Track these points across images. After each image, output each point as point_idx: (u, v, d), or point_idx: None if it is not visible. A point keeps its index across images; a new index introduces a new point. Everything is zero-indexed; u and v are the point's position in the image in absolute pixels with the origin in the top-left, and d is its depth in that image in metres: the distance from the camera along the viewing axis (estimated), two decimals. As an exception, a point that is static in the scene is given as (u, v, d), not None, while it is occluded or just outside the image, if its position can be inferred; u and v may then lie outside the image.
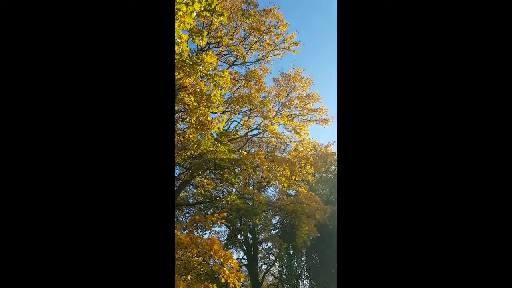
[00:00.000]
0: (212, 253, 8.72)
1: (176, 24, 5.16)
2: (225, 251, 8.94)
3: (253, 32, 10.40)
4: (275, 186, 16.54)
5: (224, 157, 9.22)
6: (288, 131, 11.92)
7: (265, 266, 20.68)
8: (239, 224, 16.43)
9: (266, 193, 17.95)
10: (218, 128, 8.94)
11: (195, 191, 13.55)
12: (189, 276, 10.31)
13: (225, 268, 8.43)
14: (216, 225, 11.31)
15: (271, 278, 22.19)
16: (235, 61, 11.22)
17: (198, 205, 15.20)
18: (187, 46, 7.55)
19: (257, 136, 13.45)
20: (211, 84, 7.84)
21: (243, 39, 10.76)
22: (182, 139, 8.61)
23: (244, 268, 18.00)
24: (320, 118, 13.09)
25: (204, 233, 13.17)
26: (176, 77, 7.36)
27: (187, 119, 8.24)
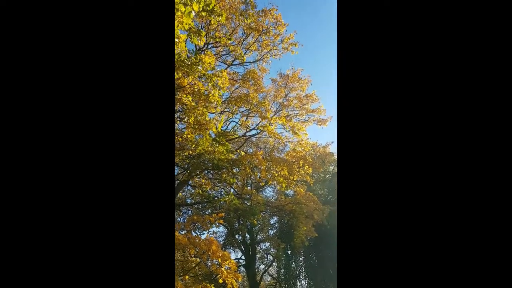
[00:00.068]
0: (210, 253, 8.71)
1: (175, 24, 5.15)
2: (223, 252, 8.93)
3: (251, 32, 10.40)
4: (273, 186, 16.56)
5: (222, 157, 9.21)
6: (286, 131, 11.93)
7: (263, 266, 20.69)
8: (237, 224, 16.42)
9: (264, 193, 17.97)
10: (216, 128, 8.93)
11: (193, 191, 13.52)
12: (187, 277, 10.29)
13: (223, 269, 8.42)
14: (214, 225, 11.32)
15: (269, 278, 22.19)
16: (233, 61, 11.21)
17: (196, 205, 15.18)
18: (185, 46, 7.54)
19: (255, 136, 13.45)
20: (209, 84, 7.83)
21: (242, 39, 10.76)
22: (180, 139, 8.60)
23: (242, 268, 17.99)
24: (318, 119, 13.10)
25: (202, 233, 13.14)
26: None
27: (185, 119, 8.22)
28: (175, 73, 7.17)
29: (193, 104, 7.80)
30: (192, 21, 5.41)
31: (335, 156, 18.51)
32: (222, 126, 10.50)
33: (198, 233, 12.98)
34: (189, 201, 14.81)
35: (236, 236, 17.96)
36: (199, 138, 8.35)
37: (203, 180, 11.80)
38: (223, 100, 10.86)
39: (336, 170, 18.90)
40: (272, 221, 18.84)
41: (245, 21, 9.57)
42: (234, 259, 17.05)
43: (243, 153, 10.50)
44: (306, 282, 18.63)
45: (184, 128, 8.68)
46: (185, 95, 7.74)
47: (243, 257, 18.22)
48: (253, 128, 11.89)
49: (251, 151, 13.73)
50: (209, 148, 8.67)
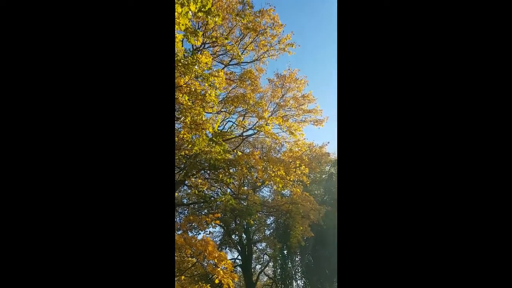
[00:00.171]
0: (206, 254, 8.70)
1: (172, 24, 5.12)
2: (219, 252, 8.92)
3: (248, 33, 10.39)
4: (269, 186, 16.55)
5: (219, 157, 9.19)
6: (283, 131, 11.94)
7: (260, 266, 20.69)
8: (233, 225, 16.40)
9: (260, 193, 17.97)
10: (213, 128, 8.90)
11: (189, 191, 13.48)
12: (183, 277, 10.25)
13: (219, 269, 8.41)
14: (210, 225, 11.28)
15: (265, 278, 22.19)
16: (230, 61, 11.19)
17: (192, 206, 15.13)
18: (182, 46, 7.51)
19: (252, 136, 13.44)
20: (206, 84, 7.81)
21: (239, 39, 10.75)
22: (176, 138, 8.56)
23: (239, 268, 17.97)
24: (315, 119, 13.13)
25: (198, 233, 13.10)
26: (171, 77, 7.30)
27: (182, 118, 8.18)
28: (172, 73, 7.13)
29: (189, 103, 7.78)
30: (189, 21, 5.39)
31: (331, 157, 18.58)
32: (219, 126, 10.47)
33: (195, 233, 12.95)
34: (185, 201, 14.76)
35: (233, 236, 17.93)
36: (195, 138, 8.32)
37: (200, 180, 11.77)
38: (220, 100, 10.84)
39: (332, 170, 18.97)
40: (268, 221, 18.86)
41: (242, 21, 9.56)
42: (231, 259, 17.03)
43: (240, 153, 10.48)
44: (302, 282, 18.66)
45: (180, 127, 8.65)
46: (181, 95, 7.71)
47: (239, 257, 18.20)
48: (250, 128, 11.89)
49: (248, 151, 13.71)
50: (206, 148, 8.64)
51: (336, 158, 19.05)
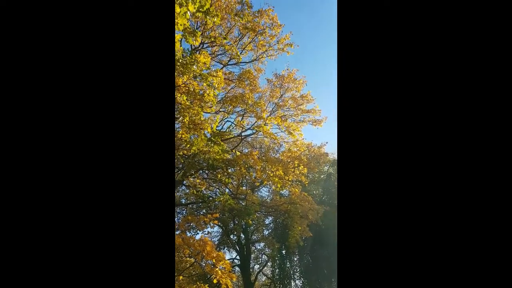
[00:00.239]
0: (204, 254, 8.69)
1: (170, 24, 5.11)
2: (218, 252, 8.91)
3: (247, 33, 10.39)
4: (268, 186, 16.56)
5: (218, 157, 9.18)
6: (281, 131, 11.94)
7: (258, 266, 20.70)
8: (232, 225, 16.40)
9: (259, 193, 17.96)
10: (212, 128, 8.89)
11: (187, 191, 13.46)
12: (181, 277, 10.23)
13: (217, 269, 8.40)
14: (208, 225, 11.27)
15: (264, 278, 22.20)
16: (229, 61, 11.19)
17: (190, 206, 15.12)
18: (180, 46, 7.49)
19: (251, 136, 13.43)
20: (204, 84, 7.81)
21: (238, 39, 10.74)
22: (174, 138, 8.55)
23: (237, 268, 17.97)
24: (313, 119, 13.13)
25: (196, 233, 13.09)
26: (170, 76, 7.29)
27: (180, 118, 8.16)
28: (171, 73, 7.11)
29: (187, 103, 7.77)
30: (187, 21, 5.38)
31: (330, 157, 18.62)
32: (217, 126, 10.46)
33: (193, 233, 12.94)
34: (183, 201, 14.74)
35: (231, 236, 17.93)
36: (194, 138, 8.30)
37: (198, 180, 11.75)
38: (219, 100, 10.84)
39: (330, 170, 19.00)
40: (267, 221, 18.87)
41: (240, 20, 9.56)
42: (229, 259, 17.05)
43: (238, 153, 10.47)
44: (301, 282, 18.68)
45: (178, 127, 8.64)
46: (179, 95, 7.69)
47: (238, 257, 18.20)
48: (249, 128, 11.89)
49: (247, 151, 13.71)
50: (204, 148, 8.63)
51: (335, 158, 19.11)
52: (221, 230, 18.00)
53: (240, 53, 10.28)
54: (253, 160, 10.35)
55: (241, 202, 13.15)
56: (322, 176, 19.55)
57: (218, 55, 11.16)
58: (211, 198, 12.37)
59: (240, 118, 11.87)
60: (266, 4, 16.94)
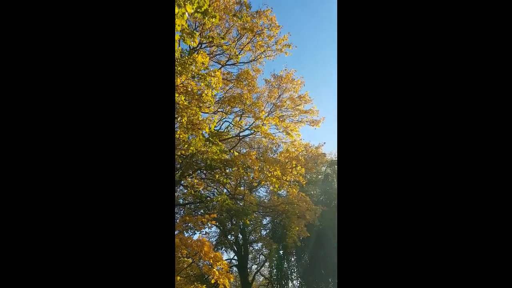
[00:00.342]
0: (202, 254, 8.67)
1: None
2: (215, 253, 8.90)
3: (245, 33, 10.39)
4: (266, 186, 16.56)
5: (216, 157, 9.18)
6: (279, 132, 11.96)
7: (256, 266, 20.69)
8: (229, 225, 16.38)
9: (257, 194, 17.96)
10: (210, 128, 8.88)
11: (185, 191, 13.42)
12: (179, 278, 10.21)
13: (215, 269, 8.39)
14: (206, 225, 11.25)
15: (261, 278, 22.19)
16: (227, 61, 11.18)
17: (188, 206, 15.08)
18: (179, 46, 7.47)
19: (249, 136, 13.42)
20: (202, 84, 7.80)
21: (236, 39, 10.74)
22: (173, 138, 8.52)
23: (235, 268, 17.95)
24: (311, 120, 13.15)
25: (194, 233, 13.05)
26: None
27: (178, 118, 8.15)
28: (169, 72, 7.09)
29: (185, 103, 7.75)
30: (185, 22, 5.37)
31: (328, 157, 18.65)
32: (215, 126, 10.45)
33: (190, 234, 12.90)
34: (181, 201, 14.70)
35: (229, 237, 17.91)
36: (192, 138, 8.29)
37: (196, 180, 11.73)
38: (217, 100, 10.83)
39: (328, 171, 19.04)
40: (264, 222, 18.86)
41: (239, 21, 9.56)
42: (227, 260, 17.02)
43: (236, 153, 10.48)
44: (298, 282, 18.69)
45: (176, 127, 8.62)
46: (177, 94, 7.68)
47: (235, 257, 18.18)
48: (247, 129, 11.88)
49: (245, 151, 13.70)
50: (202, 148, 8.62)
51: (332, 158, 19.16)
52: (218, 230, 17.97)
53: (238, 54, 10.28)
54: (251, 161, 10.35)
55: (239, 202, 13.15)
56: (319, 177, 19.57)
57: (216, 55, 11.16)
58: (209, 198, 12.36)
59: (238, 118, 11.87)
60: (264, 5, 16.96)
